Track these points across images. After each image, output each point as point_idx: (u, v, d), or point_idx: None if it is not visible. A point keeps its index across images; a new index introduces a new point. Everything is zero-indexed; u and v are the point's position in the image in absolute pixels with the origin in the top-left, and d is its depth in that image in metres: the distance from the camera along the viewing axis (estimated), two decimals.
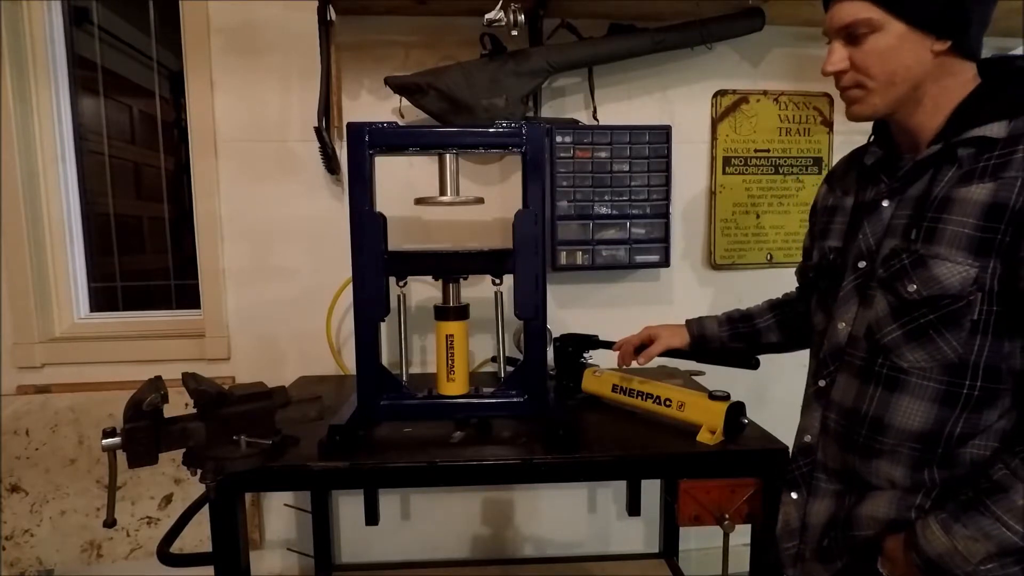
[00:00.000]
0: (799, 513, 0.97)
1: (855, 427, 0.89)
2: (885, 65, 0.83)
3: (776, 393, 1.79)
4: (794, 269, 1.18)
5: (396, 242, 1.76)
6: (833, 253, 0.97)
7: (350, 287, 1.24)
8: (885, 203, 0.90)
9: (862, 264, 0.91)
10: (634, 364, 1.35)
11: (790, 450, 1.04)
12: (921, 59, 0.82)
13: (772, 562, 1.02)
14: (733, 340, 1.27)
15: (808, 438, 0.97)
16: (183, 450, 1.06)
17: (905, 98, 0.85)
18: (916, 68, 0.83)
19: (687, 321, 1.33)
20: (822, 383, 0.96)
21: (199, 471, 1.05)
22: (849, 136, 1.88)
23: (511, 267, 1.22)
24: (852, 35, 0.84)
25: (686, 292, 1.93)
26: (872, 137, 0.97)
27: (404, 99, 1.66)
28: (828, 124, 1.91)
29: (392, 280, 1.27)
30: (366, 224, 1.20)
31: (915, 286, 0.81)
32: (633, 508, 1.88)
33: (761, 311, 1.27)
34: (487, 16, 1.47)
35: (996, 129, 0.80)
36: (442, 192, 1.25)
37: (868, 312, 0.88)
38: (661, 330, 1.33)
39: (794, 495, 0.99)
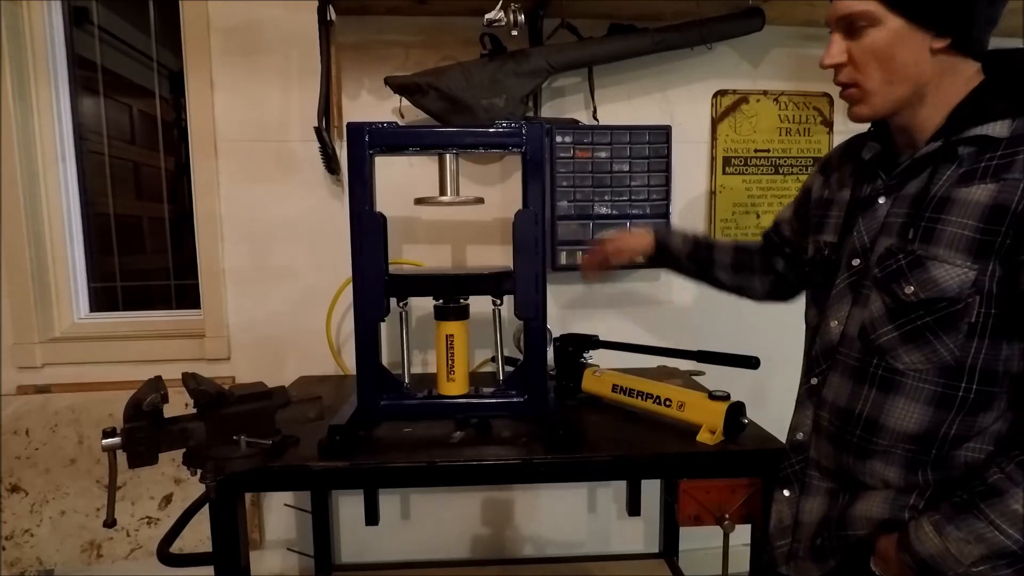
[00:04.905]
0: (792, 511, 0.97)
1: (849, 427, 0.89)
2: (882, 62, 0.81)
3: (776, 393, 1.78)
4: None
5: (396, 242, 1.78)
6: (827, 248, 0.96)
7: (350, 287, 1.24)
8: (881, 200, 0.89)
9: (856, 262, 0.90)
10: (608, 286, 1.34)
11: None
12: (919, 58, 0.81)
13: (765, 560, 1.01)
14: (689, 259, 1.28)
15: (800, 436, 0.97)
16: (183, 450, 1.06)
17: (908, 99, 0.84)
18: (914, 67, 0.81)
19: (654, 227, 1.34)
20: (814, 381, 0.95)
21: (199, 471, 1.05)
22: (849, 136, 1.87)
23: (511, 288, 1.23)
24: (851, 27, 0.83)
25: (686, 292, 1.93)
26: (871, 129, 0.96)
27: (404, 99, 1.66)
28: (828, 124, 1.91)
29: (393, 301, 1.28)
30: (366, 224, 1.19)
31: (912, 288, 0.80)
32: (633, 508, 1.88)
33: (725, 247, 1.27)
34: (487, 16, 1.47)
35: (999, 128, 0.79)
36: (442, 192, 1.25)
37: (862, 311, 0.87)
38: (623, 235, 1.34)
39: (786, 492, 0.98)
